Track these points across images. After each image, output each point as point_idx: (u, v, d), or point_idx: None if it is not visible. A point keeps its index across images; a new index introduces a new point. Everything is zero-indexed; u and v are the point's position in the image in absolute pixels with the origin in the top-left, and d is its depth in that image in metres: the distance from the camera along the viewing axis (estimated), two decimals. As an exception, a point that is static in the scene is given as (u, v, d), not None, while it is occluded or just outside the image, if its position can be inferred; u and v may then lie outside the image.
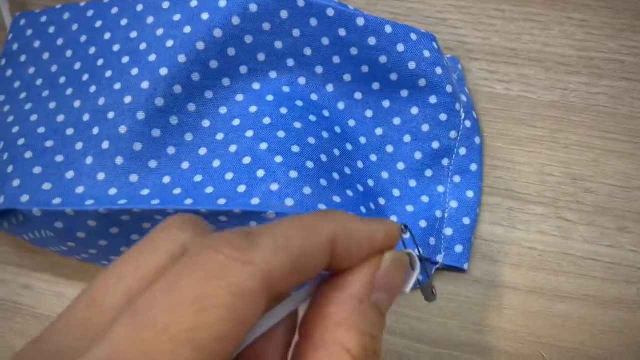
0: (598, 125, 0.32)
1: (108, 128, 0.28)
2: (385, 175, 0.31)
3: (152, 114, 0.28)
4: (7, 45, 0.33)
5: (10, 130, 0.30)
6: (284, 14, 0.28)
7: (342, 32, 0.29)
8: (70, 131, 0.29)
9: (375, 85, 0.31)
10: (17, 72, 0.32)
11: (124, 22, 0.30)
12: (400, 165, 0.31)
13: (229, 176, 0.27)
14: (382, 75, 0.30)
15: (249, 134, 0.28)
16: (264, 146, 0.28)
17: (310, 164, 0.27)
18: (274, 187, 0.27)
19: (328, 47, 0.30)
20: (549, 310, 0.29)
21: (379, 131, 0.31)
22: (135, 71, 0.28)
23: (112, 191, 0.27)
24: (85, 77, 0.30)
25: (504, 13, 0.35)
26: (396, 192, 0.31)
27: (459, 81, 0.33)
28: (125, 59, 0.29)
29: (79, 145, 0.28)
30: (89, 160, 0.28)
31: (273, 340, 0.16)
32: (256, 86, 0.30)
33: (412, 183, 0.31)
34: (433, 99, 0.30)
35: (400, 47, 0.29)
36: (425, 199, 0.31)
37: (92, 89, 0.29)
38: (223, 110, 0.29)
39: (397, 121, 0.31)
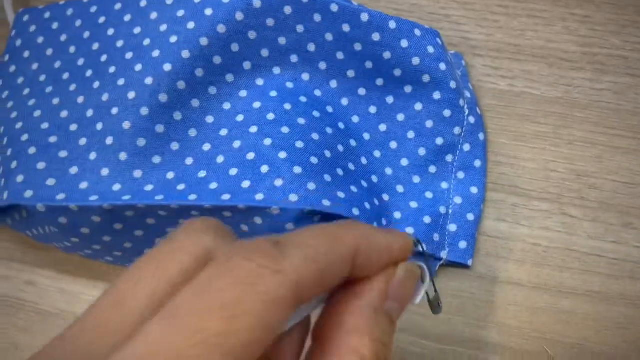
0: (602, 121, 0.32)
1: (112, 124, 0.28)
2: (389, 171, 0.31)
3: (156, 110, 0.28)
4: (10, 41, 0.33)
5: (14, 126, 0.30)
6: (287, 9, 0.28)
7: (346, 28, 0.29)
8: (74, 127, 0.29)
9: (379, 81, 0.30)
10: (21, 68, 0.32)
11: (127, 17, 0.30)
12: (404, 161, 0.31)
13: (233, 172, 0.27)
14: (386, 71, 0.30)
15: (253, 129, 0.28)
16: (268, 142, 0.28)
17: (314, 160, 0.27)
18: (278, 182, 0.27)
19: (332, 43, 0.29)
20: (553, 307, 0.29)
21: (382, 127, 0.31)
22: (139, 67, 0.28)
23: (116, 187, 0.27)
24: (89, 72, 0.30)
25: (508, 9, 0.35)
26: (400, 188, 0.30)
27: (462, 77, 0.33)
28: (129, 55, 0.29)
29: (83, 141, 0.28)
30: (93, 155, 0.28)
31: (286, 345, 0.17)
32: (260, 82, 0.30)
33: (416, 179, 0.31)
34: (437, 95, 0.30)
35: (404, 43, 0.29)
36: (429, 195, 0.31)
37: (96, 84, 0.29)
38: (227, 106, 0.29)
39: (400, 117, 0.31)
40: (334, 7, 0.29)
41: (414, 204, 0.30)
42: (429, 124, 0.31)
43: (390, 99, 0.31)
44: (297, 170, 0.27)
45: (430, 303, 0.21)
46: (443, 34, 0.33)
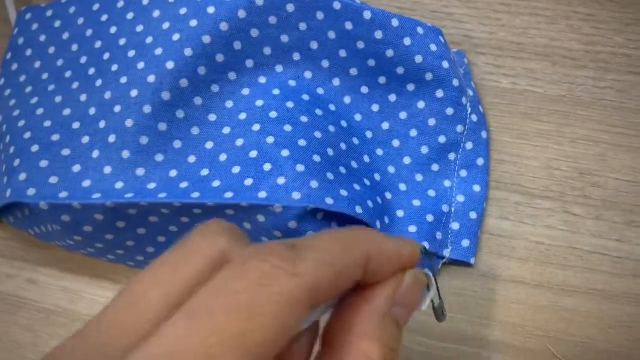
0: (605, 119, 0.32)
1: (114, 121, 0.28)
2: (391, 169, 0.31)
3: (158, 108, 0.28)
4: (12, 40, 0.33)
5: (17, 124, 0.30)
6: (290, 7, 0.28)
7: (348, 26, 0.29)
8: (76, 125, 0.29)
9: (382, 79, 0.30)
10: (23, 66, 0.32)
11: (129, 15, 0.30)
12: (407, 160, 0.31)
13: (236, 170, 0.27)
14: (388, 69, 0.30)
15: (255, 127, 0.28)
16: (270, 140, 0.28)
17: (316, 158, 0.27)
18: (281, 180, 0.26)
19: (334, 41, 0.29)
20: (556, 304, 0.29)
21: (385, 125, 0.31)
22: (141, 65, 0.28)
23: (119, 184, 0.27)
24: (91, 70, 0.30)
25: (510, 7, 0.35)
26: (402, 187, 0.30)
27: (465, 75, 0.33)
28: (131, 53, 0.29)
29: (85, 139, 0.28)
30: (95, 153, 0.28)
31: (295, 348, 0.17)
32: (262, 80, 0.30)
33: (419, 177, 0.31)
34: (439, 93, 0.30)
35: (407, 41, 0.29)
36: (431, 193, 0.30)
37: (98, 82, 0.29)
38: (229, 104, 0.29)
39: (403, 115, 0.31)
40: (337, 5, 0.28)
41: (416, 202, 0.30)
42: (432, 121, 0.31)
43: (392, 97, 0.31)
44: (300, 168, 0.27)
45: (435, 310, 0.21)
46: (445, 32, 0.33)
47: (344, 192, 0.27)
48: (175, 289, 0.14)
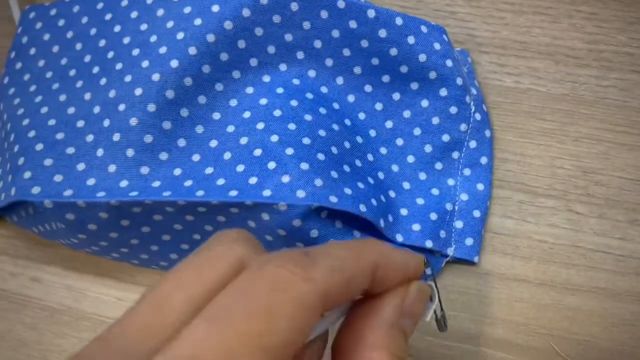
0: (608, 118, 0.32)
1: (119, 120, 0.28)
2: (395, 168, 0.31)
3: (163, 106, 0.28)
4: (16, 39, 0.33)
5: (21, 123, 0.30)
6: (294, 6, 0.28)
7: (352, 24, 0.29)
8: (80, 123, 0.29)
9: (386, 78, 0.30)
10: (27, 65, 0.32)
11: (134, 14, 0.30)
12: (410, 158, 0.31)
13: (240, 168, 0.27)
14: (392, 68, 0.30)
15: (260, 126, 0.28)
16: (274, 138, 0.28)
17: (321, 156, 0.27)
18: (285, 179, 0.27)
19: (338, 40, 0.29)
20: (560, 303, 0.29)
21: (389, 124, 0.31)
22: (145, 63, 0.28)
23: (123, 183, 0.27)
24: (96, 69, 0.30)
25: (514, 6, 0.35)
26: (406, 185, 0.30)
27: (468, 74, 0.33)
28: (136, 51, 0.29)
29: (90, 138, 0.28)
30: (100, 152, 0.28)
31: (307, 355, 0.17)
32: (266, 79, 0.30)
33: (422, 176, 0.31)
34: (443, 92, 0.30)
35: (411, 40, 0.29)
36: (435, 191, 0.31)
37: (103, 81, 0.29)
38: (233, 102, 0.29)
39: (407, 114, 0.31)
40: (341, 4, 0.29)
41: (420, 201, 0.30)
42: (435, 120, 0.31)
43: (396, 96, 0.31)
44: (304, 166, 0.27)
45: (438, 321, 0.22)
46: (449, 31, 0.33)
47: (348, 191, 0.27)
48: (199, 293, 0.14)
